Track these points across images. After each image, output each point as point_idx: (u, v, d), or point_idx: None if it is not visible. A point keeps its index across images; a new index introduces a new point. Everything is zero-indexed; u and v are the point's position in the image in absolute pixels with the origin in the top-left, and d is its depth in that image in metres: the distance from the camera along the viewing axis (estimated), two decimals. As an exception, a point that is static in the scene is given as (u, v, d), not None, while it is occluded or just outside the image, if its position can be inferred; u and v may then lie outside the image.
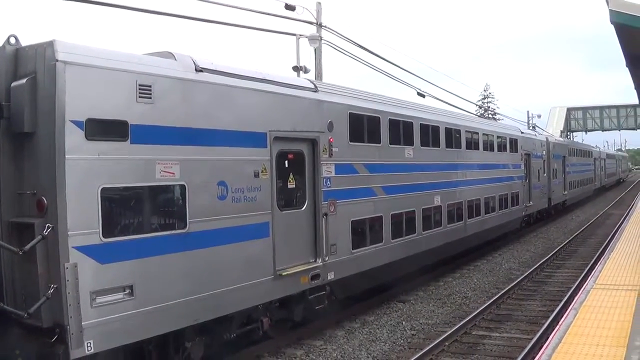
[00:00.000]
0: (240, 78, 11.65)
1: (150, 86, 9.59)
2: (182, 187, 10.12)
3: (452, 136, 21.31)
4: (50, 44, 8.55)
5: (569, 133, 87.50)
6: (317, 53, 24.00)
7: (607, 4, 11.03)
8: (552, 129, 76.93)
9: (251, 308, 11.79)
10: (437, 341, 13.20)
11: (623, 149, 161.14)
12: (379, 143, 16.19)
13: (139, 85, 9.43)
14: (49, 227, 8.34)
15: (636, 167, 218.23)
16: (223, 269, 10.85)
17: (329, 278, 13.75)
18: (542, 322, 14.45)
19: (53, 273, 8.45)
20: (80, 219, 8.54)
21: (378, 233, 16.01)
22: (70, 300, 8.34)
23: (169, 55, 10.50)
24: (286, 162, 12.85)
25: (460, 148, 22.10)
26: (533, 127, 61.14)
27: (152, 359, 10.17)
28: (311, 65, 23.78)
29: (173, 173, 9.93)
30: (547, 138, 40.07)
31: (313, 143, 13.45)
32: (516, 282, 19.41)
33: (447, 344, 13.38)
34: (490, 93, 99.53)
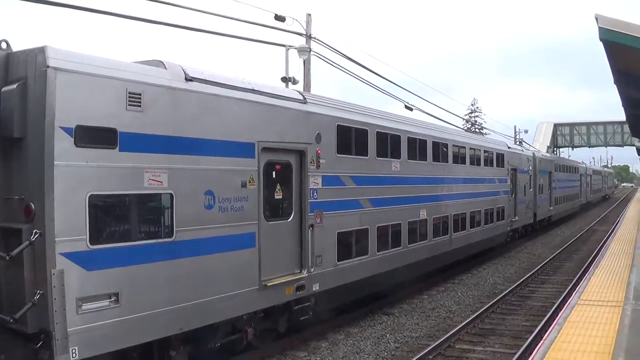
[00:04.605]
0: (230, 88, 11.69)
1: (140, 94, 9.62)
2: (170, 196, 10.13)
3: (439, 150, 21.42)
4: (42, 49, 8.58)
5: (555, 149, 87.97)
6: (306, 64, 24.02)
7: (597, 22, 11.17)
8: (538, 144, 77.28)
9: (236, 318, 11.79)
10: (421, 354, 13.23)
11: (609, 166, 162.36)
12: (367, 155, 16.25)
13: (129, 93, 9.46)
14: (36, 233, 8.35)
15: (622, 183, 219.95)
16: (209, 278, 10.86)
17: (313, 289, 13.77)
18: (526, 337, 14.49)
19: (39, 279, 8.45)
20: (68, 225, 8.56)
21: (364, 245, 16.05)
22: (56, 306, 8.35)
23: (159, 63, 10.53)
24: (274, 172, 12.88)
25: (447, 162, 22.21)
26: (520, 142, 61.48)
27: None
28: (300, 77, 23.84)
29: (161, 182, 9.95)
30: (533, 153, 40.31)
31: (301, 154, 13.51)
32: (501, 296, 19.49)
33: (431, 357, 13.41)
34: (477, 107, 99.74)
